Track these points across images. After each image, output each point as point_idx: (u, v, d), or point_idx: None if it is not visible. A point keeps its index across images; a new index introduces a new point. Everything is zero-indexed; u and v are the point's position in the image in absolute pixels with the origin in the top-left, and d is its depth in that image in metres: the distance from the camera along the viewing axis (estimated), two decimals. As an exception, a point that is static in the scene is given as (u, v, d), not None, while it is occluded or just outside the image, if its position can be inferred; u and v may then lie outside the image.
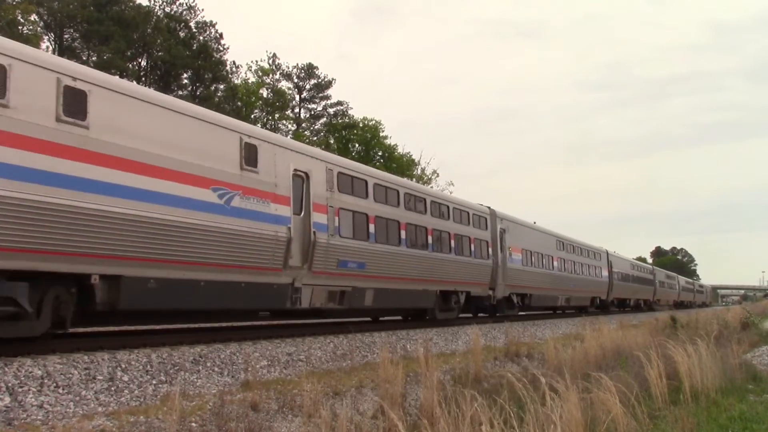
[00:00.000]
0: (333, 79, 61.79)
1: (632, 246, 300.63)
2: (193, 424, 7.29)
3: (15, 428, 6.56)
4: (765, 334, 22.78)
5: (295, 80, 60.89)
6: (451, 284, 20.13)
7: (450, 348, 16.04)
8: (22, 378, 7.33)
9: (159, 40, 45.54)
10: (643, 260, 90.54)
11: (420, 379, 9.92)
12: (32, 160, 8.33)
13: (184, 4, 49.51)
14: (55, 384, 7.53)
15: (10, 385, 7.13)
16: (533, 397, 7.05)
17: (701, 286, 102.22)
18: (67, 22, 42.97)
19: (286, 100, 56.13)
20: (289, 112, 58.04)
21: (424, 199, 19.06)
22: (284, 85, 58.68)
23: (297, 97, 61.31)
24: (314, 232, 13.56)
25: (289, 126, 56.66)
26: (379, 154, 54.09)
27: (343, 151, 49.60)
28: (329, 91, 62.20)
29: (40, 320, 8.84)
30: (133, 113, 9.86)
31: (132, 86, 11.32)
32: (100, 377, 8.10)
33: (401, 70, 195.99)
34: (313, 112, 62.91)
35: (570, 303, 33.97)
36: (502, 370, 11.73)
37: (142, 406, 7.87)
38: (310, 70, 61.31)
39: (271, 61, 57.62)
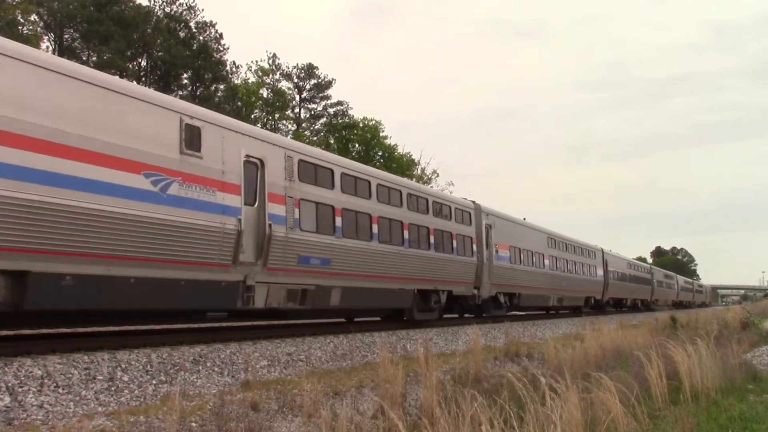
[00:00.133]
0: (333, 79, 61.98)
1: (632, 246, 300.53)
2: (193, 424, 7.30)
3: (15, 428, 6.57)
4: (765, 334, 22.77)
5: (295, 80, 61.02)
6: (430, 283, 18.84)
7: (450, 348, 16.05)
8: (22, 378, 7.34)
9: (159, 40, 45.55)
10: (643, 260, 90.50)
11: (420, 379, 9.92)
12: None
13: (184, 4, 49.61)
14: (55, 384, 7.54)
15: (10, 385, 7.13)
16: (533, 397, 7.04)
17: (701, 285, 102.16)
18: (67, 22, 42.98)
19: (286, 100, 56.17)
20: (289, 112, 58.13)
21: (400, 191, 17.77)
22: (284, 85, 58.86)
23: (297, 97, 61.40)
24: (270, 225, 12.36)
25: (289, 126, 56.76)
26: (379, 154, 54.13)
27: (343, 151, 49.61)
28: (329, 91, 62.37)
29: None
30: (46, 87, 8.76)
31: (45, 56, 10.13)
32: (100, 377, 8.10)
33: (401, 70, 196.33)
34: (313, 112, 63.02)
35: (563, 303, 33.02)
36: (502, 370, 11.73)
37: (142, 406, 7.87)
38: (310, 70, 61.39)
39: (271, 61, 57.76)
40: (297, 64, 60.88)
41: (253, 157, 12.38)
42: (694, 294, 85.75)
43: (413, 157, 55.67)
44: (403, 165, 52.35)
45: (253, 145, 12.47)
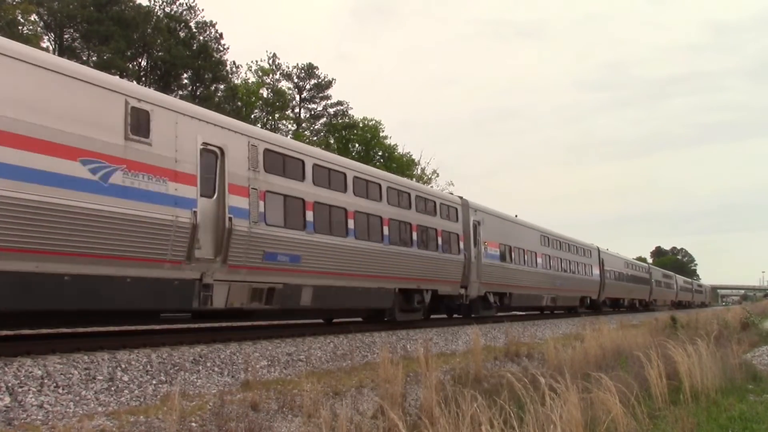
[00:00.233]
0: (333, 79, 62.05)
1: (632, 246, 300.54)
2: (193, 424, 7.30)
3: (15, 428, 6.57)
4: (765, 334, 22.77)
5: (295, 80, 61.10)
6: (413, 281, 17.92)
7: (450, 348, 16.06)
8: (22, 378, 7.34)
9: (159, 40, 45.59)
10: (643, 260, 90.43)
11: (420, 379, 9.92)
12: None
13: (184, 4, 49.64)
14: (55, 384, 7.54)
15: (10, 385, 7.13)
16: (533, 397, 7.04)
17: (700, 285, 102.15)
18: (67, 22, 43.00)
19: (286, 100, 56.22)
20: (289, 112, 58.19)
21: (380, 185, 16.74)
22: (284, 85, 58.96)
23: (297, 97, 61.46)
24: (230, 219, 11.43)
25: (289, 126, 56.84)
26: (379, 154, 54.24)
27: (343, 150, 49.66)
28: (329, 91, 62.45)
29: None
30: None
31: None
32: (100, 377, 8.10)
33: (401, 70, 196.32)
34: (313, 112, 63.08)
35: (557, 303, 32.08)
36: (502, 370, 11.73)
37: (142, 406, 7.88)
38: (310, 70, 61.44)
39: (271, 61, 57.84)
40: (297, 64, 61.12)
41: (211, 145, 11.44)
42: (693, 294, 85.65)
43: (413, 157, 55.90)
44: (403, 165, 52.45)
45: (212, 132, 11.49)
